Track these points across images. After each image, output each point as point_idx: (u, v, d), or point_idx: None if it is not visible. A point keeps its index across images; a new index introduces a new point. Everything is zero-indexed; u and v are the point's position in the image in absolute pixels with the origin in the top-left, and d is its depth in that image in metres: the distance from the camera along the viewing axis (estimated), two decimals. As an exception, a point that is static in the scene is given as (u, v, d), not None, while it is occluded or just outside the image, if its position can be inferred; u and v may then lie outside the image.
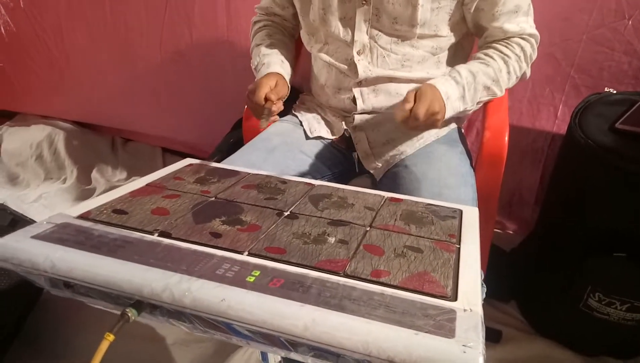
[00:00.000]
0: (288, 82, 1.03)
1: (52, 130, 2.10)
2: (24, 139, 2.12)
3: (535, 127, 1.47)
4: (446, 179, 0.92)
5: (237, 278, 0.48)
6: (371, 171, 1.06)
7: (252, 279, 0.48)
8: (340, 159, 1.11)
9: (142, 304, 0.48)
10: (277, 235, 0.57)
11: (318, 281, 0.48)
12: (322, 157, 1.07)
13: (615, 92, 1.18)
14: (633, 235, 1.02)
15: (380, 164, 1.04)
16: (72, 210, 0.60)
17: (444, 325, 0.43)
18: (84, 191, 1.94)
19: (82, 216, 0.59)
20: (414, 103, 0.84)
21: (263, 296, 0.45)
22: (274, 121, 1.00)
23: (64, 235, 0.54)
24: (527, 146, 1.50)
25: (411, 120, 0.83)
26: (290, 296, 0.45)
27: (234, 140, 1.40)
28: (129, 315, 0.47)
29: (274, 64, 1.03)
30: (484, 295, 0.91)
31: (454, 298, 0.48)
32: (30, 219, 1.29)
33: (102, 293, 0.51)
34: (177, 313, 0.49)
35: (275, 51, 1.08)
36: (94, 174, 2.01)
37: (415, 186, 0.91)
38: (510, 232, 1.67)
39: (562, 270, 1.18)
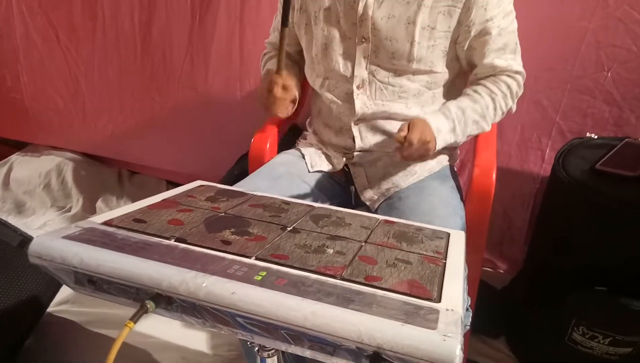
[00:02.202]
0: (296, 86, 1.09)
1: (62, 160, 2.18)
2: (33, 168, 2.20)
3: (524, 170, 1.55)
4: (437, 210, 0.99)
5: (246, 276, 0.54)
6: (367, 203, 1.13)
7: (259, 278, 0.54)
8: (339, 191, 1.18)
9: (160, 297, 0.54)
10: (281, 244, 0.63)
11: (317, 282, 0.54)
12: (322, 188, 1.14)
13: (596, 137, 1.27)
14: (613, 269, 1.08)
15: (376, 197, 1.11)
16: (96, 218, 0.66)
17: (427, 320, 0.49)
18: (89, 220, 2.00)
19: (106, 223, 0.65)
20: (408, 132, 0.93)
21: (269, 291, 0.51)
22: (288, 110, 1.07)
23: (91, 236, 0.60)
24: (516, 188, 1.58)
25: (406, 146, 0.92)
26: (292, 292, 0.51)
27: (238, 172, 1.47)
28: (148, 306, 0.53)
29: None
30: (470, 320, 0.96)
31: (438, 300, 0.53)
32: (39, 241, 1.34)
33: (123, 289, 0.56)
34: (190, 308, 0.55)
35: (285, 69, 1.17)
36: (99, 204, 2.07)
37: (408, 215, 0.98)
38: (501, 271, 1.72)
39: (548, 305, 1.23)
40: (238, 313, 0.51)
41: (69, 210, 2.07)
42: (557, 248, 1.21)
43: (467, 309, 0.95)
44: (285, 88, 1.04)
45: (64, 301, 1.48)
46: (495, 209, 1.08)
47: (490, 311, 1.33)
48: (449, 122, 0.99)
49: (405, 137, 0.92)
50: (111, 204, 2.07)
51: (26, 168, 2.21)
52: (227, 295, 0.51)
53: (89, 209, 2.06)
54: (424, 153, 0.96)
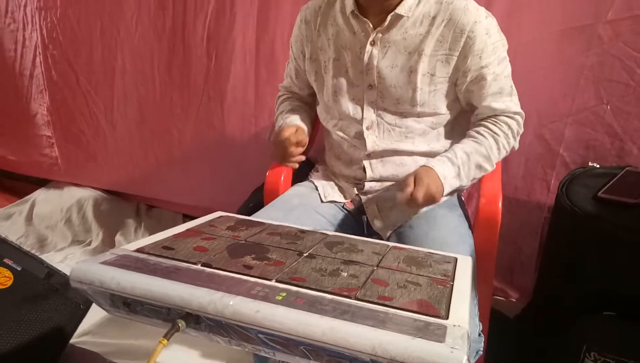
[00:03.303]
0: (307, 135, 1.18)
1: (82, 196, 2.27)
2: (55, 203, 2.28)
3: (531, 200, 1.59)
4: (446, 238, 1.03)
5: (268, 296, 0.59)
6: (379, 233, 1.18)
7: (280, 297, 0.59)
8: (351, 222, 1.22)
9: (190, 317, 0.59)
10: (298, 268, 0.68)
11: (333, 302, 0.59)
12: (335, 218, 1.19)
13: (598, 166, 1.32)
14: (620, 295, 1.10)
15: (387, 226, 1.16)
16: (129, 246, 0.72)
17: (436, 334, 0.53)
18: (108, 253, 2.06)
19: (138, 250, 0.71)
20: (414, 187, 0.97)
21: (290, 309, 0.56)
22: (299, 161, 1.15)
23: (126, 262, 0.66)
24: (524, 218, 1.61)
25: (411, 203, 0.97)
26: (311, 310, 0.56)
27: (254, 204, 1.53)
28: (180, 325, 0.58)
29: (295, 120, 1.21)
30: (482, 345, 0.99)
31: (446, 317, 0.58)
32: (63, 273, 1.39)
33: (155, 310, 0.61)
34: (217, 327, 0.60)
35: (297, 114, 1.25)
36: (118, 237, 2.13)
37: (418, 244, 1.02)
38: (514, 300, 1.74)
39: (559, 332, 1.24)
40: (261, 330, 0.56)
41: (89, 244, 2.13)
42: (564, 275, 1.24)
43: (479, 334, 0.98)
44: (298, 144, 1.12)
45: (86, 333, 1.52)
46: (504, 238, 1.11)
47: (503, 340, 1.35)
48: (454, 168, 1.05)
49: (411, 193, 0.96)
50: (129, 238, 2.13)
51: (49, 204, 2.30)
52: (252, 313, 0.56)
53: (108, 243, 2.12)
54: (431, 204, 1.02)
